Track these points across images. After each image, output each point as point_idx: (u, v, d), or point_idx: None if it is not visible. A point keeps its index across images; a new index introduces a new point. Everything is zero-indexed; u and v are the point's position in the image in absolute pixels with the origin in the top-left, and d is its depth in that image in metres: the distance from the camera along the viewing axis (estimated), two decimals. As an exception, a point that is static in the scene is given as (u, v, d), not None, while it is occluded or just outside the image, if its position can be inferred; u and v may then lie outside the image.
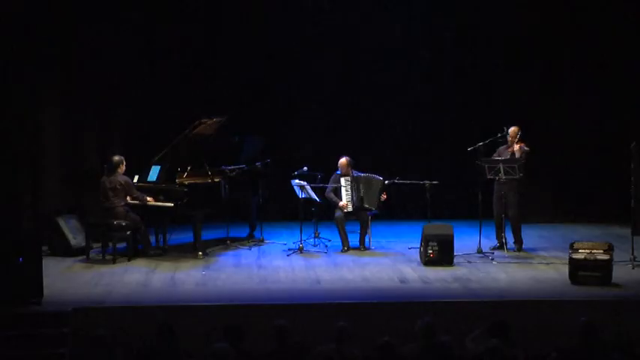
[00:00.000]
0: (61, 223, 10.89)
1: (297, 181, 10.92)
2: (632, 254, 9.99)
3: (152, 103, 12.46)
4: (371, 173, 11.09)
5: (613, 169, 12.12)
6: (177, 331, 6.99)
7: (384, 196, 10.96)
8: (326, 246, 11.16)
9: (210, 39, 12.69)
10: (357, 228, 11.10)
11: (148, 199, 10.55)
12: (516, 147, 10.65)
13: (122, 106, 12.22)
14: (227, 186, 10.90)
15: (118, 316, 8.26)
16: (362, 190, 11.02)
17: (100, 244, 10.52)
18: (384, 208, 11.23)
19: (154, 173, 10.80)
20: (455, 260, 10.17)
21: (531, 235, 11.68)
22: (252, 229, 11.74)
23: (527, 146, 10.66)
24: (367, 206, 10.98)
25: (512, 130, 10.70)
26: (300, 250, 10.88)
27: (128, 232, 10.40)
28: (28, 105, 11.27)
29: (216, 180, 10.84)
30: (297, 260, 10.55)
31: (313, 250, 11.06)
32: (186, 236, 11.22)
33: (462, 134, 12.08)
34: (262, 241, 11.52)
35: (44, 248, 10.27)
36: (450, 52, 13.20)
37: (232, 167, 11.08)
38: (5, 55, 10.80)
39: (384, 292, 9.03)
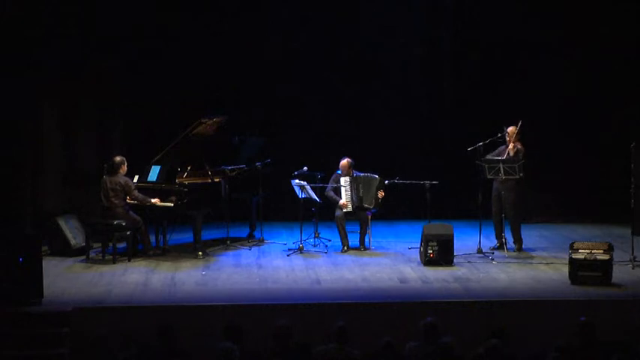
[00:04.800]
0: (61, 223, 10.88)
1: (297, 181, 10.92)
2: (632, 254, 9.99)
3: (152, 103, 12.44)
4: (371, 173, 11.09)
5: (613, 169, 12.10)
6: (177, 331, 6.99)
7: (381, 194, 10.95)
8: (326, 246, 11.15)
9: (211, 38, 12.67)
10: (357, 228, 11.10)
11: (153, 200, 10.52)
12: (511, 146, 10.64)
13: (121, 106, 12.20)
14: (227, 186, 10.90)
15: (118, 316, 8.26)
16: (361, 190, 11.02)
17: (100, 244, 10.52)
18: (384, 208, 11.23)
19: (153, 173, 10.79)
20: (455, 260, 10.16)
21: (531, 235, 11.67)
22: (252, 229, 11.73)
23: (521, 145, 10.64)
24: (366, 206, 10.98)
25: (510, 129, 10.69)
26: (300, 250, 10.88)
27: (128, 232, 10.39)
28: (27, 105, 11.26)
29: (216, 180, 10.85)
30: (297, 260, 10.54)
31: (313, 250, 11.05)
32: (186, 236, 11.22)
33: (462, 134, 12.06)
34: (262, 241, 11.51)
35: (44, 248, 10.26)
36: (450, 51, 13.21)
37: (232, 167, 11.08)
38: (5, 53, 10.81)
39: (384, 292, 9.03)
